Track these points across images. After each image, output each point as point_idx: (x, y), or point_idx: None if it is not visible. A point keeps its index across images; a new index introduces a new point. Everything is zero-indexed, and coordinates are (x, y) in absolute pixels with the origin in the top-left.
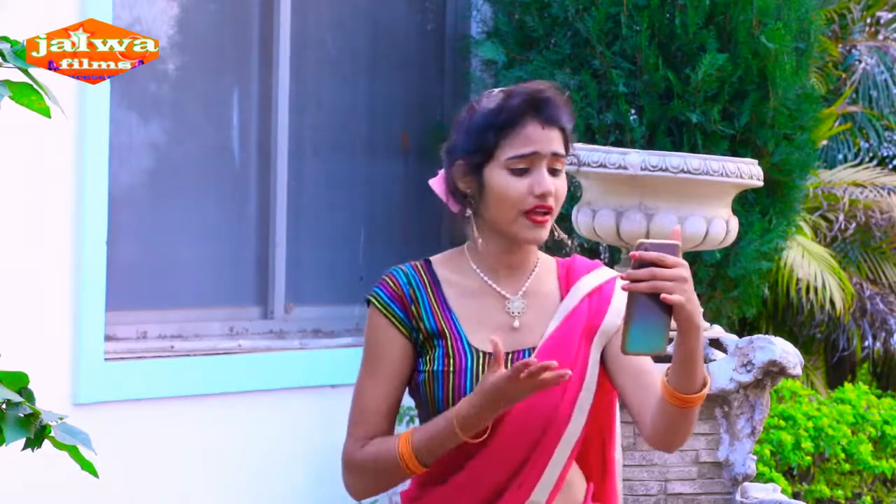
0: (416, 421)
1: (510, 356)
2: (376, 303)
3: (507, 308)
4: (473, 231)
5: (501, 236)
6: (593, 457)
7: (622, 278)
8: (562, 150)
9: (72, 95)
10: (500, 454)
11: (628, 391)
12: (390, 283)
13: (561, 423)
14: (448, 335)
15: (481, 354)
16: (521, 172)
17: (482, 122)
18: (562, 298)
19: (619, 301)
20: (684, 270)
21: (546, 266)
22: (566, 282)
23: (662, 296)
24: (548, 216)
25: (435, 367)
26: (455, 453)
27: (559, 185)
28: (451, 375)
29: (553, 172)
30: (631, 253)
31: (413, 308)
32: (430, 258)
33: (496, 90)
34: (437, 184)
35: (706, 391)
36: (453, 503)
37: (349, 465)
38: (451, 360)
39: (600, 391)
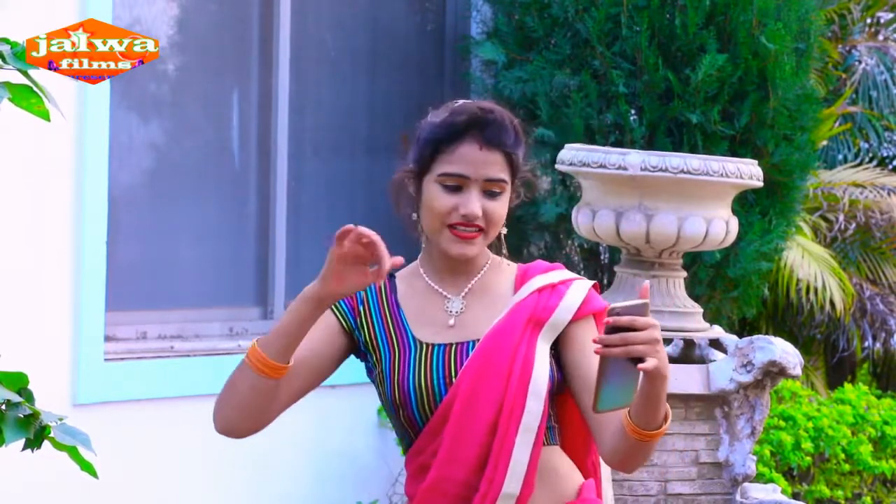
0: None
1: (453, 347)
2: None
3: (446, 307)
4: (420, 234)
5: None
6: (578, 456)
7: (594, 341)
8: (499, 175)
9: (72, 96)
10: (458, 446)
11: (584, 407)
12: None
13: (515, 410)
14: (394, 331)
15: (425, 346)
16: (452, 189)
17: (426, 134)
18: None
19: (572, 299)
20: (655, 331)
21: (498, 267)
22: (521, 282)
23: (639, 366)
24: (476, 234)
25: (384, 362)
26: (422, 455)
27: (493, 208)
28: (396, 365)
29: (489, 195)
30: (605, 320)
31: (361, 308)
32: (395, 273)
33: (459, 102)
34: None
35: (667, 425)
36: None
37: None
38: (397, 352)
39: (559, 384)
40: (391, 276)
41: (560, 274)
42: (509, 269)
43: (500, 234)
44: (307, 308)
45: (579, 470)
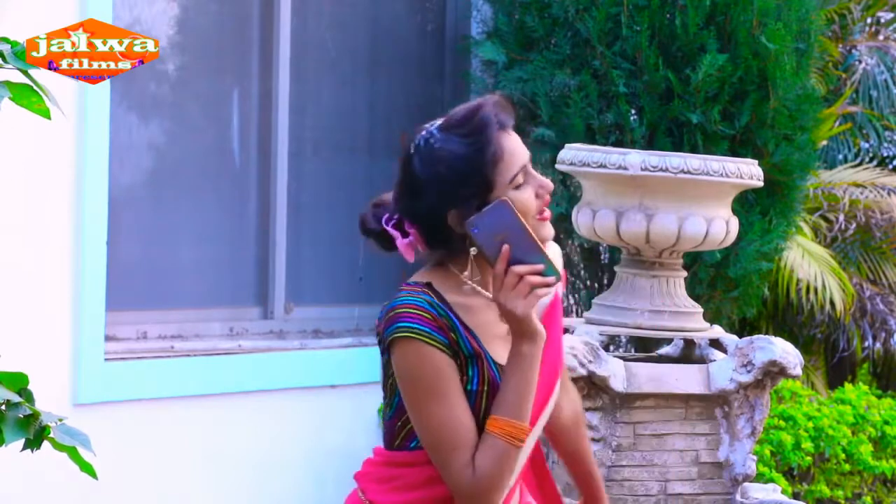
0: None
1: None
2: (420, 336)
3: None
4: (472, 267)
5: None
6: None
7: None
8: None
9: (72, 96)
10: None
11: None
12: (421, 313)
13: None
14: (481, 356)
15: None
16: (522, 185)
17: (464, 167)
18: None
19: (559, 310)
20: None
21: None
22: None
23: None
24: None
25: (470, 388)
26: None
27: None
28: (484, 395)
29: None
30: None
31: (452, 334)
32: (427, 282)
33: (435, 136)
34: (408, 247)
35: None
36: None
37: (478, 487)
38: (486, 381)
39: None
40: (431, 288)
41: (557, 255)
42: None
43: None
44: (538, 357)
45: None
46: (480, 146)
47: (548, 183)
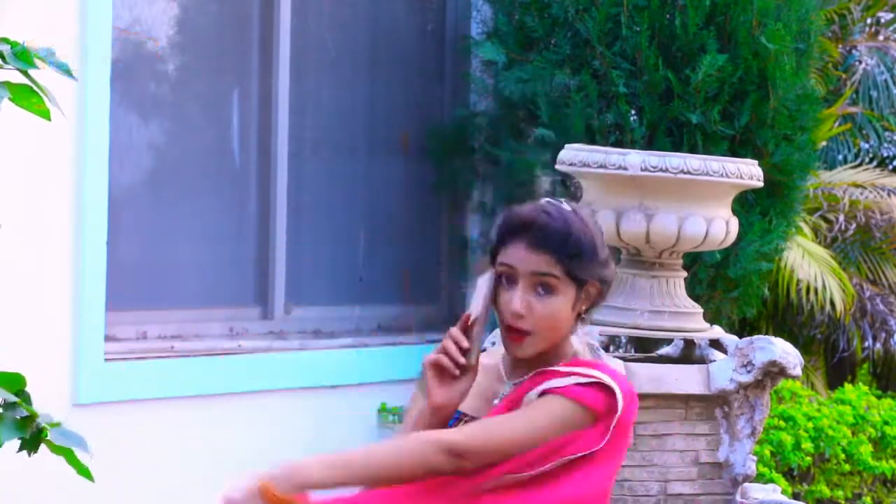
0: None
1: (468, 419)
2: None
3: (498, 389)
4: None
5: None
6: None
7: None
8: (548, 269)
9: (72, 96)
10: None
11: None
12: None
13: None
14: None
15: (461, 416)
16: (509, 281)
17: (496, 230)
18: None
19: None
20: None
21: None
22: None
23: None
24: (521, 337)
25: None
26: None
27: (542, 306)
28: None
29: (541, 290)
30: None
31: None
32: None
33: (546, 200)
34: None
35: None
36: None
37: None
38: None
39: None
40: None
41: (588, 371)
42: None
43: (566, 335)
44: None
45: None
46: (500, 223)
47: (513, 303)
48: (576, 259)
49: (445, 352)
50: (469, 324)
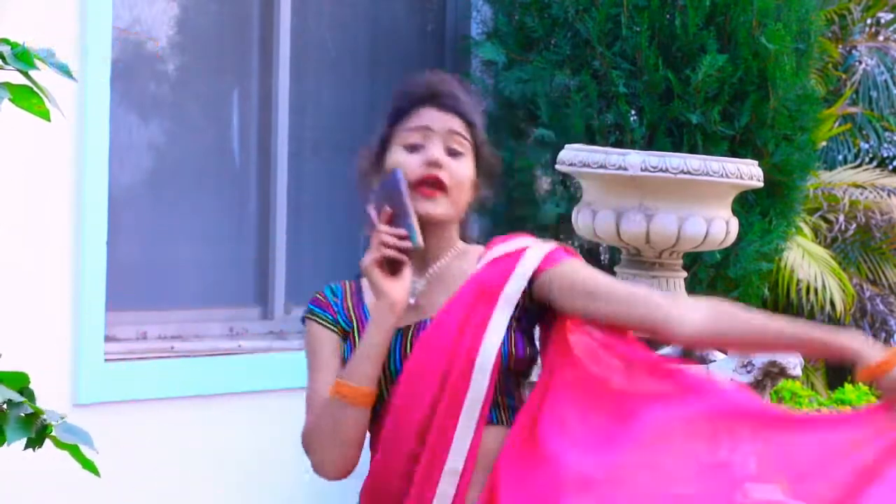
0: None
1: (410, 329)
2: (309, 315)
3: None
4: None
5: None
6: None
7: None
8: (461, 130)
9: (72, 96)
10: (402, 419)
11: (614, 314)
12: (318, 296)
13: (461, 385)
14: (357, 324)
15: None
16: (414, 148)
17: (396, 104)
18: None
19: (527, 265)
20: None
21: (465, 254)
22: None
23: None
24: (437, 191)
25: (348, 353)
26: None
27: (456, 166)
28: None
29: (451, 153)
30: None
31: (334, 308)
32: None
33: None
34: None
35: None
36: (381, 478)
37: (304, 438)
38: (359, 342)
39: (523, 360)
40: (357, 277)
41: (519, 242)
42: (475, 251)
43: (466, 217)
44: (386, 319)
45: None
46: (397, 96)
47: (431, 153)
48: (478, 127)
49: (385, 245)
50: (392, 216)
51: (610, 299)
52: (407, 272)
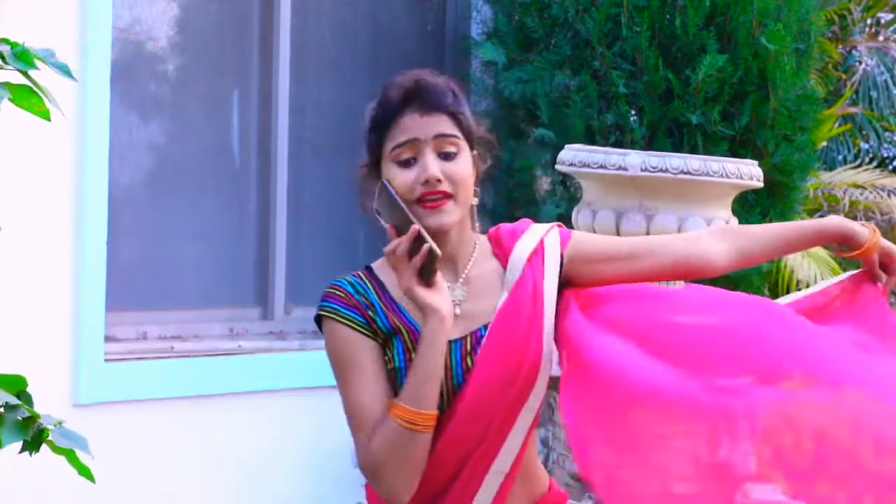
0: None
1: (467, 340)
2: (335, 316)
3: (457, 292)
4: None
5: None
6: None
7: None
8: (450, 131)
9: (72, 96)
10: (465, 426)
11: (659, 265)
12: (337, 292)
13: (526, 389)
14: (404, 331)
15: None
16: (407, 163)
17: (367, 125)
18: (504, 269)
19: (551, 255)
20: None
21: (483, 248)
22: (501, 252)
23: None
24: (443, 200)
25: (396, 364)
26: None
27: (453, 168)
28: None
29: (445, 156)
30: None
31: (369, 312)
32: (370, 265)
33: (391, 80)
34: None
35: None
36: (425, 479)
37: (369, 466)
38: (412, 354)
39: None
40: (369, 270)
41: (533, 234)
42: (485, 244)
43: (472, 208)
44: (441, 336)
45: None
46: (377, 106)
47: (429, 170)
48: (464, 114)
49: (410, 256)
50: (398, 230)
51: (652, 252)
52: (441, 281)
